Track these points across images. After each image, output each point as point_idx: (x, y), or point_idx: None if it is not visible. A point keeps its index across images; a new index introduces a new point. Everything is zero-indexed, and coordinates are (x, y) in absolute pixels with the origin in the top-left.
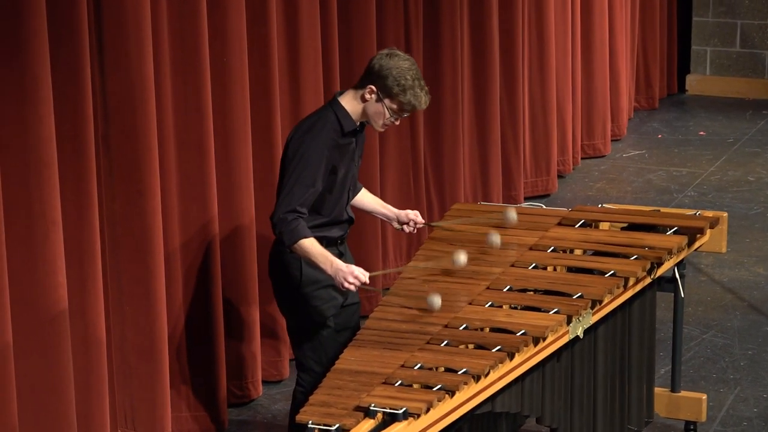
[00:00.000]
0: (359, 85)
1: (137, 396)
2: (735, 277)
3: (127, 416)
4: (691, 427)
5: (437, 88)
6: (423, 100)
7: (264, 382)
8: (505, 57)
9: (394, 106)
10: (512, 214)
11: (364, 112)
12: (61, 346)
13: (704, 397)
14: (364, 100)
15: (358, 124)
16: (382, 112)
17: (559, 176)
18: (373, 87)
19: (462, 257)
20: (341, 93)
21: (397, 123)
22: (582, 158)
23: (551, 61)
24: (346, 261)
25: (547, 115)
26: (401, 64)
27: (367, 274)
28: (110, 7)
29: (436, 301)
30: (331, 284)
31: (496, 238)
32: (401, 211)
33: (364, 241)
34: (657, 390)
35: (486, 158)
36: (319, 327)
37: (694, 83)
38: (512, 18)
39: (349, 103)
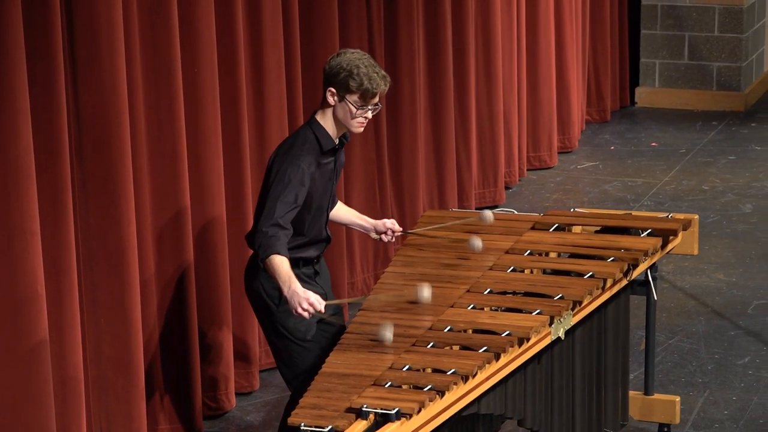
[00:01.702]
0: (323, 97)
1: (113, 409)
2: (696, 283)
3: (103, 429)
4: (665, 430)
5: (396, 101)
6: (380, 83)
7: (235, 395)
8: (457, 70)
9: (356, 98)
10: (489, 214)
11: (336, 120)
12: (40, 357)
13: (677, 399)
14: (329, 106)
15: (337, 141)
16: (348, 110)
17: (506, 188)
18: (332, 89)
19: (426, 291)
20: (317, 112)
21: (369, 116)
22: (528, 170)
23: (498, 74)
24: (321, 279)
25: (494, 126)
26: (350, 57)
27: (323, 303)
28: (82, 19)
29: (388, 335)
30: None
31: (477, 242)
32: (378, 221)
33: (328, 254)
34: (631, 393)
35: (442, 170)
36: (301, 342)
37: (643, 95)
38: (463, 30)
39: (324, 118)
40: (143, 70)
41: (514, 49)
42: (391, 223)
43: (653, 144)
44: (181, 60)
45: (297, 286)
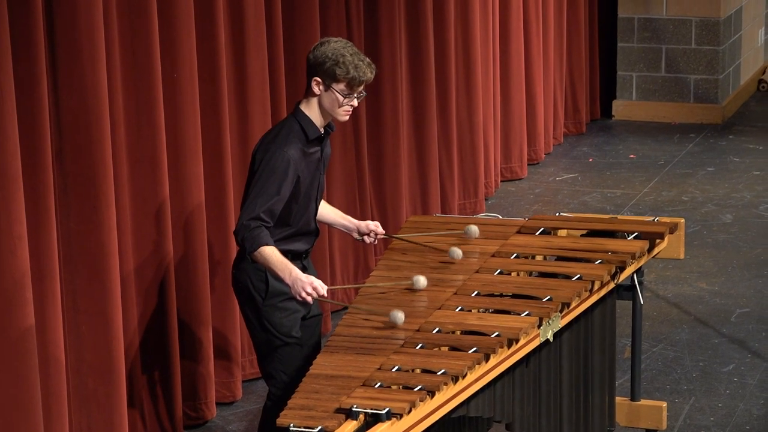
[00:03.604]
0: (307, 86)
1: (94, 417)
2: (679, 292)
3: None
4: None
5: (378, 112)
6: (366, 71)
7: (217, 404)
8: (439, 80)
9: (342, 87)
10: (474, 228)
11: (322, 109)
12: (28, 363)
13: (664, 405)
14: (315, 95)
15: (322, 130)
16: (335, 99)
17: (485, 199)
18: (317, 78)
19: (422, 280)
20: (301, 102)
21: (356, 104)
22: (501, 181)
23: (477, 84)
24: (308, 274)
25: (474, 137)
26: (334, 46)
27: (326, 287)
28: (63, 23)
29: (400, 316)
30: None
31: (457, 251)
32: (361, 222)
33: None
34: (617, 399)
35: (425, 180)
36: (285, 338)
37: (620, 108)
38: (444, 41)
39: (308, 108)
40: (123, 75)
41: (489, 60)
42: (374, 225)
43: (632, 156)
44: (161, 64)
45: (297, 271)
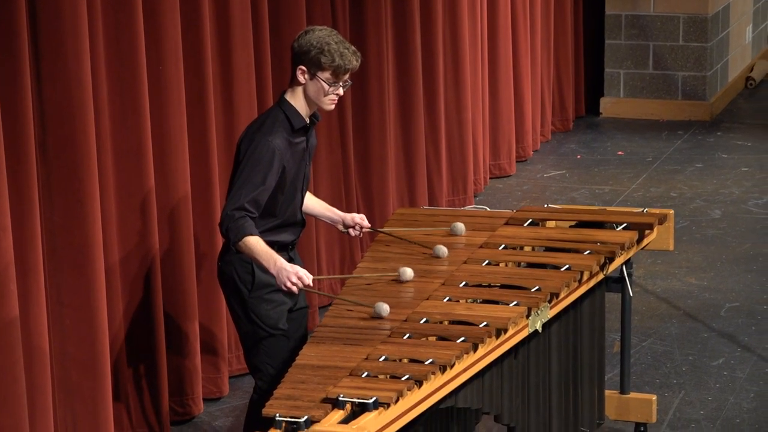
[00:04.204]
0: (292, 76)
1: (79, 412)
2: (667, 287)
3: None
4: (641, 429)
5: (365, 108)
6: (351, 59)
7: (203, 400)
8: (426, 76)
9: (328, 75)
10: (460, 226)
11: (308, 98)
12: (13, 356)
13: (654, 398)
14: (300, 84)
15: (308, 120)
16: (320, 88)
17: (474, 195)
18: (302, 67)
19: (408, 272)
20: (286, 92)
21: (341, 92)
22: (490, 178)
23: (466, 80)
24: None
25: (462, 134)
26: (319, 34)
27: (311, 277)
28: (47, 15)
29: (385, 308)
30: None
31: (442, 249)
32: (347, 215)
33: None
34: (606, 392)
35: (412, 176)
36: (271, 330)
37: (608, 106)
38: (432, 37)
39: (293, 98)
40: (108, 67)
41: (478, 57)
42: (360, 218)
43: (619, 153)
44: (146, 56)
45: (282, 261)
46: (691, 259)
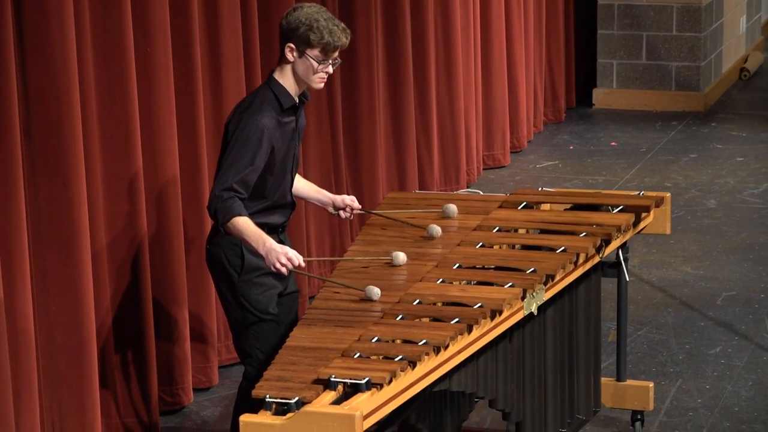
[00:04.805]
0: (280, 54)
1: (65, 401)
2: (663, 276)
3: (55, 423)
4: (638, 417)
5: (354, 93)
6: (341, 36)
7: (194, 389)
8: (417, 62)
9: (317, 53)
10: (453, 207)
11: (297, 77)
12: None
13: (651, 385)
14: (288, 62)
15: (297, 99)
16: (309, 65)
17: (466, 186)
18: (291, 44)
19: (401, 256)
20: (274, 71)
21: (331, 71)
22: (483, 168)
23: (458, 68)
24: None
25: (455, 123)
26: (308, 11)
27: (302, 258)
28: None
29: (376, 291)
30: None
31: (436, 229)
32: (337, 196)
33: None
34: (603, 380)
35: (402, 164)
36: (261, 314)
37: (600, 96)
38: (423, 24)
39: (282, 76)
40: (94, 49)
41: (470, 42)
42: (350, 200)
43: (613, 143)
44: (134, 38)
45: (271, 242)
46: (687, 248)
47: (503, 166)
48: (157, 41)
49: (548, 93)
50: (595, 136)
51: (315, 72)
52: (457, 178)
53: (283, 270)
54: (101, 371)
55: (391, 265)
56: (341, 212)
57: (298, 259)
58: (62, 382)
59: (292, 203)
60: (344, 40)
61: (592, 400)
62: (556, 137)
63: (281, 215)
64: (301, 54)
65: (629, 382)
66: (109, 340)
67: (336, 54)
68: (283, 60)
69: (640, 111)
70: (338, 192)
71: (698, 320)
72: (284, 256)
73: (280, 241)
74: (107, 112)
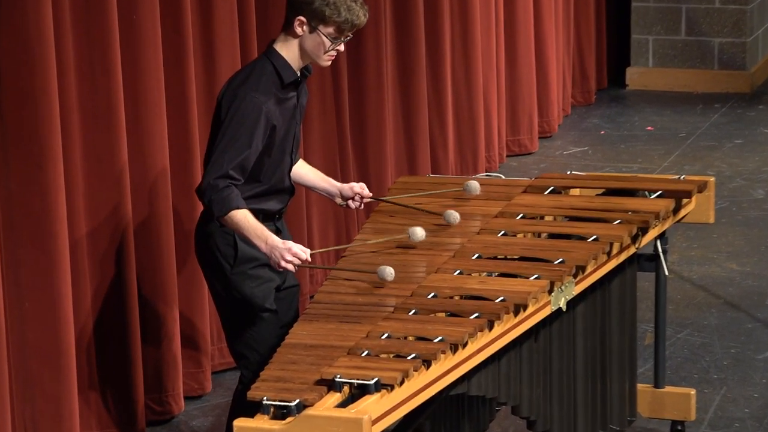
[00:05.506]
0: (286, 24)
1: (39, 408)
2: (706, 273)
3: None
4: (678, 428)
5: (360, 72)
6: (360, 13)
7: (183, 398)
8: (430, 34)
9: (331, 30)
10: (475, 184)
11: (303, 52)
12: None
13: (693, 392)
14: (296, 36)
15: (299, 73)
16: (320, 42)
17: (486, 174)
18: (302, 18)
19: (419, 231)
20: (275, 41)
21: (342, 49)
22: (507, 155)
23: (476, 41)
24: (283, 238)
25: (472, 102)
26: None
27: (308, 251)
28: None
29: (389, 271)
30: (268, 263)
31: (454, 215)
32: (345, 185)
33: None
34: (639, 386)
35: (413, 150)
36: (258, 310)
37: (635, 76)
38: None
39: (285, 48)
40: (73, 15)
41: (491, 14)
42: (359, 188)
43: (649, 128)
44: (117, 3)
45: (274, 238)
46: (732, 243)
47: (530, 153)
48: (143, 7)
49: (576, 72)
50: (629, 120)
51: (326, 51)
52: (475, 164)
53: (290, 267)
54: (80, 376)
55: (408, 244)
56: (350, 202)
57: (305, 253)
58: (36, 386)
59: (290, 188)
60: (363, 18)
61: (627, 409)
62: (585, 121)
63: (278, 201)
64: (313, 29)
65: (668, 389)
66: (89, 340)
67: (351, 33)
68: (289, 32)
69: (679, 92)
70: (343, 177)
71: (745, 322)
72: (289, 252)
73: (277, 230)
74: (87, 85)
